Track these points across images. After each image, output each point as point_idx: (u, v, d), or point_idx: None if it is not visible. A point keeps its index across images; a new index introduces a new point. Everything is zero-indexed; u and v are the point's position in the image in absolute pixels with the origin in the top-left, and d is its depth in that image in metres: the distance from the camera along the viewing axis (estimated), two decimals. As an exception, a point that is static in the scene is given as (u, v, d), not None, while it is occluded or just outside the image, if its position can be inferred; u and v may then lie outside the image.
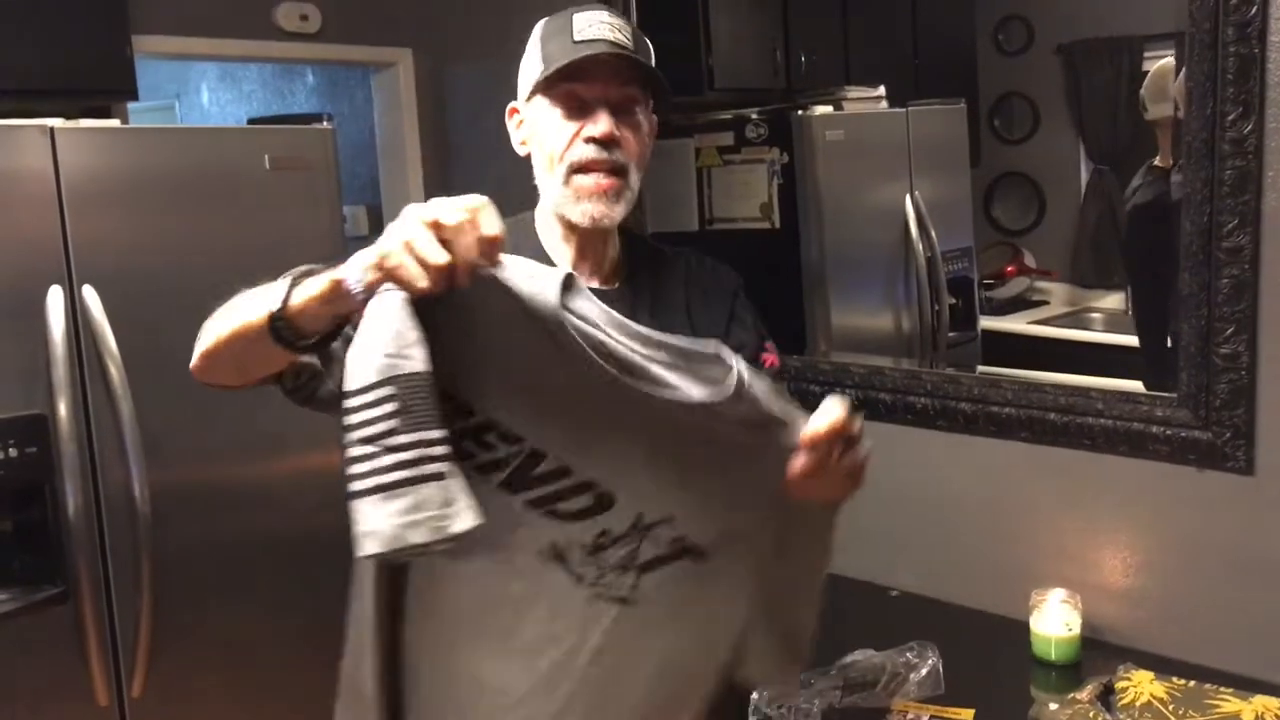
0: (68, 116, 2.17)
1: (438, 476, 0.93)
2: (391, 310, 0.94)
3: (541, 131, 1.30)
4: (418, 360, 0.94)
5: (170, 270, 2.18)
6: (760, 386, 1.04)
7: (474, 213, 0.94)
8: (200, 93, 4.74)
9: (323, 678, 2.45)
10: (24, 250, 2.02)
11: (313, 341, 1.09)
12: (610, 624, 1.09)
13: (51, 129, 2.03)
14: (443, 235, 0.93)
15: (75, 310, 2.07)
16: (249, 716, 2.34)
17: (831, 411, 1.04)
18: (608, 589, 1.08)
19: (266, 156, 2.24)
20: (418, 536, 0.92)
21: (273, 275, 1.13)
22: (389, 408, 0.92)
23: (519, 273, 0.98)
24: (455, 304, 0.97)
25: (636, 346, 1.02)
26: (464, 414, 1.03)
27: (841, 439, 1.04)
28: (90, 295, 2.07)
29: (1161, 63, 2.23)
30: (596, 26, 1.27)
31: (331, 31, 3.17)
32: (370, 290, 0.97)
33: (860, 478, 1.10)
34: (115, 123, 2.28)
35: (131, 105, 2.75)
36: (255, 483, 2.33)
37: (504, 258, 0.98)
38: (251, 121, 2.69)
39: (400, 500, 0.92)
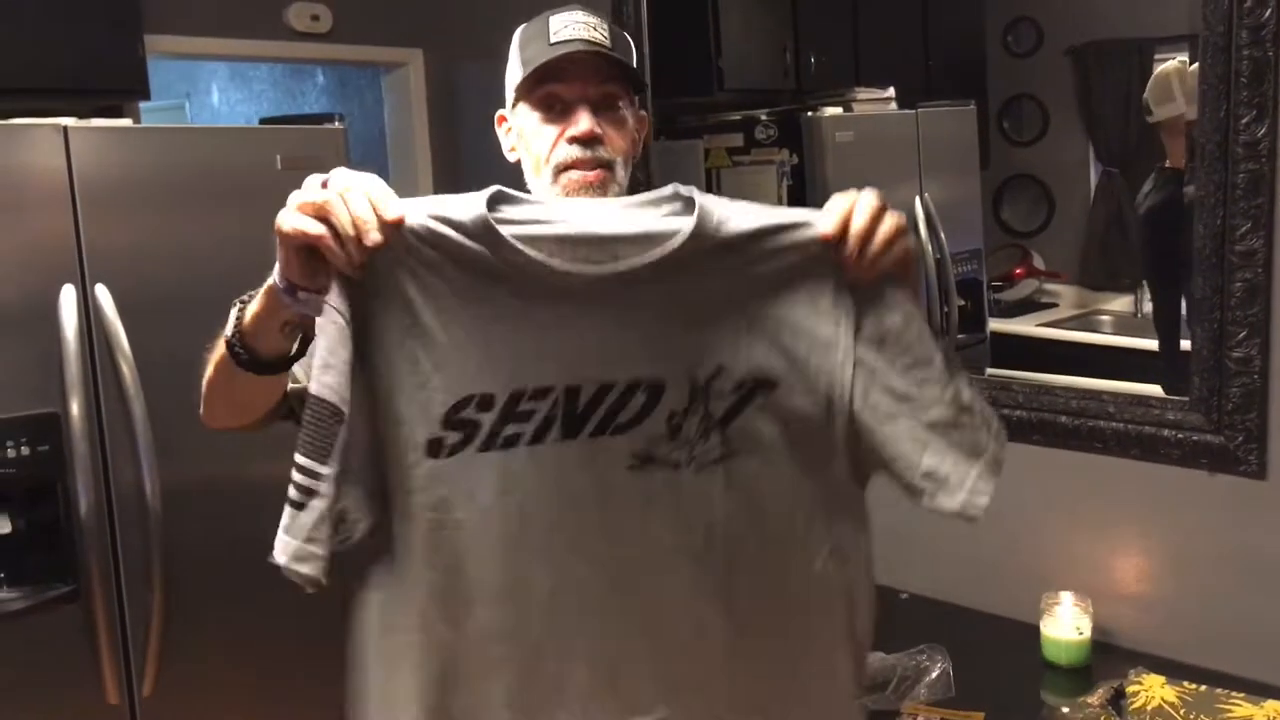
0: (79, 116, 2.18)
1: (296, 504, 1.01)
2: (325, 331, 0.99)
3: (527, 136, 1.31)
4: (322, 385, 0.98)
5: (182, 269, 2.19)
6: (740, 208, 1.05)
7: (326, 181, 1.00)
8: (211, 92, 4.76)
9: (333, 678, 2.46)
10: (37, 249, 2.03)
11: (276, 360, 1.13)
12: (724, 486, 1.10)
13: (65, 128, 2.04)
14: (309, 207, 0.98)
15: (88, 309, 2.08)
16: (259, 716, 2.35)
17: (844, 198, 1.06)
18: (704, 457, 1.09)
19: (278, 156, 2.25)
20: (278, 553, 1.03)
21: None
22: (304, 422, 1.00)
23: (443, 207, 1.01)
24: (413, 308, 1.01)
25: (592, 218, 1.04)
26: (489, 405, 1.04)
27: (866, 219, 1.05)
28: (103, 294, 2.08)
29: (1165, 65, 2.22)
30: (572, 27, 1.28)
31: (342, 31, 3.18)
32: (290, 284, 1.01)
33: (908, 263, 1.09)
34: (127, 122, 2.29)
35: (142, 105, 2.76)
36: (267, 482, 2.31)
37: (426, 201, 1.02)
38: (263, 121, 2.70)
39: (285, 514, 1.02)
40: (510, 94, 1.34)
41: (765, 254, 1.06)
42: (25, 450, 1.99)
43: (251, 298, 1.12)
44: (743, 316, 1.07)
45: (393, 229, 0.98)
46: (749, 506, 1.11)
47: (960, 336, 2.89)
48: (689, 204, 1.05)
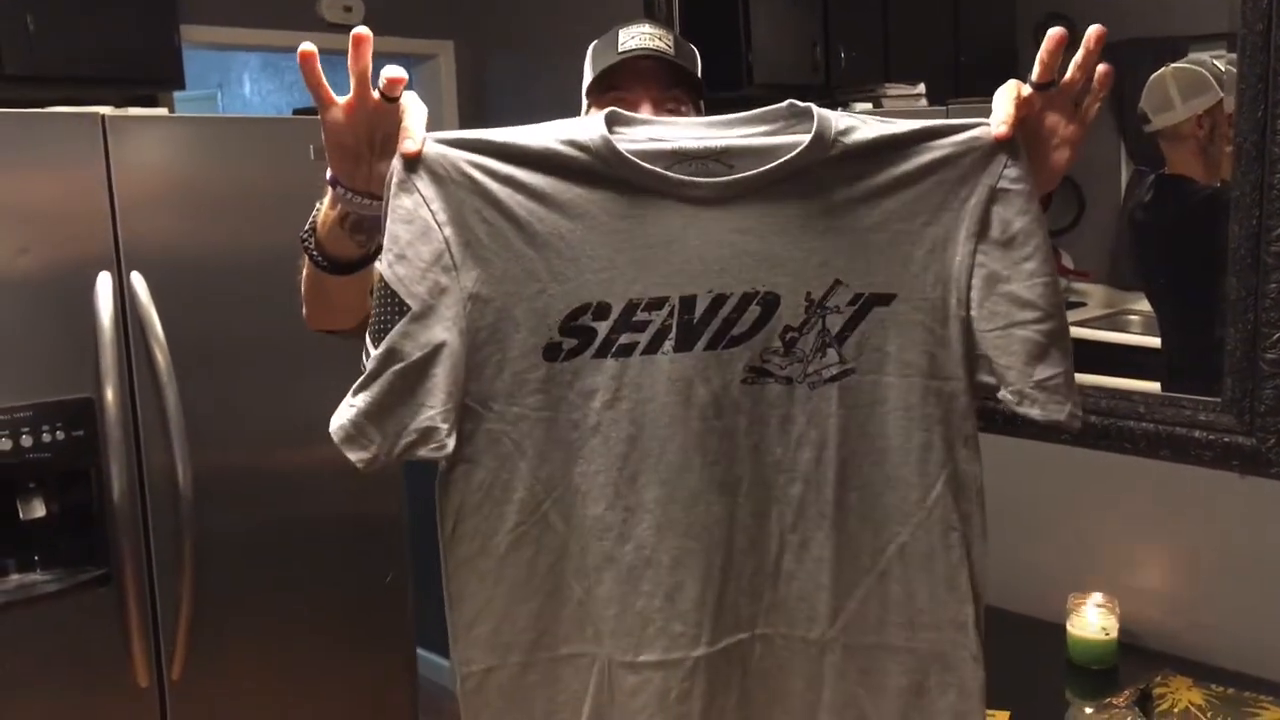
0: (115, 105, 2.20)
1: (359, 386, 1.04)
2: (407, 222, 1.03)
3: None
4: (394, 274, 1.03)
5: (216, 258, 2.21)
6: (864, 119, 1.06)
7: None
8: (243, 83, 4.78)
9: (364, 664, 2.50)
10: (74, 237, 2.05)
11: (349, 261, 1.18)
12: (838, 404, 1.10)
13: (103, 117, 2.06)
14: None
15: (123, 296, 2.10)
16: (288, 700, 2.37)
17: (1003, 92, 1.06)
18: (820, 375, 1.09)
19: (311, 147, 2.26)
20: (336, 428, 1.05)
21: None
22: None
23: (559, 131, 1.05)
24: (526, 220, 1.04)
25: (706, 133, 1.08)
26: (604, 313, 1.06)
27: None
28: (138, 281, 2.10)
29: (1160, 72, 2.20)
30: (639, 38, 1.36)
31: (374, 23, 3.16)
32: (334, 176, 1.09)
33: (1081, 138, 1.09)
34: (163, 111, 2.31)
35: (176, 95, 2.79)
36: (298, 468, 2.36)
37: (536, 128, 1.06)
38: (296, 112, 2.71)
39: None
40: (584, 101, 1.42)
41: (890, 163, 1.06)
42: (60, 435, 2.01)
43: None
44: (860, 229, 1.07)
45: (409, 162, 1.03)
46: (863, 426, 1.10)
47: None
48: (806, 116, 1.06)
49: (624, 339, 1.07)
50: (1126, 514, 2.07)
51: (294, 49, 1.05)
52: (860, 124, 1.06)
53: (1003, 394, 1.08)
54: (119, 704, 2.13)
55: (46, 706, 2.05)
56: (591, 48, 1.41)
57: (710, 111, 1.43)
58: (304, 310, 1.31)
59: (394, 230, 1.03)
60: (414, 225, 1.03)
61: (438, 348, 1.04)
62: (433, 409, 1.04)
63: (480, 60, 3.41)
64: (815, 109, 1.06)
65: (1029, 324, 1.06)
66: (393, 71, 1.02)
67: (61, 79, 2.37)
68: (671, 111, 1.35)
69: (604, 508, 1.10)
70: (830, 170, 1.06)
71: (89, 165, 2.05)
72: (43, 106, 2.14)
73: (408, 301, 1.03)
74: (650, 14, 2.80)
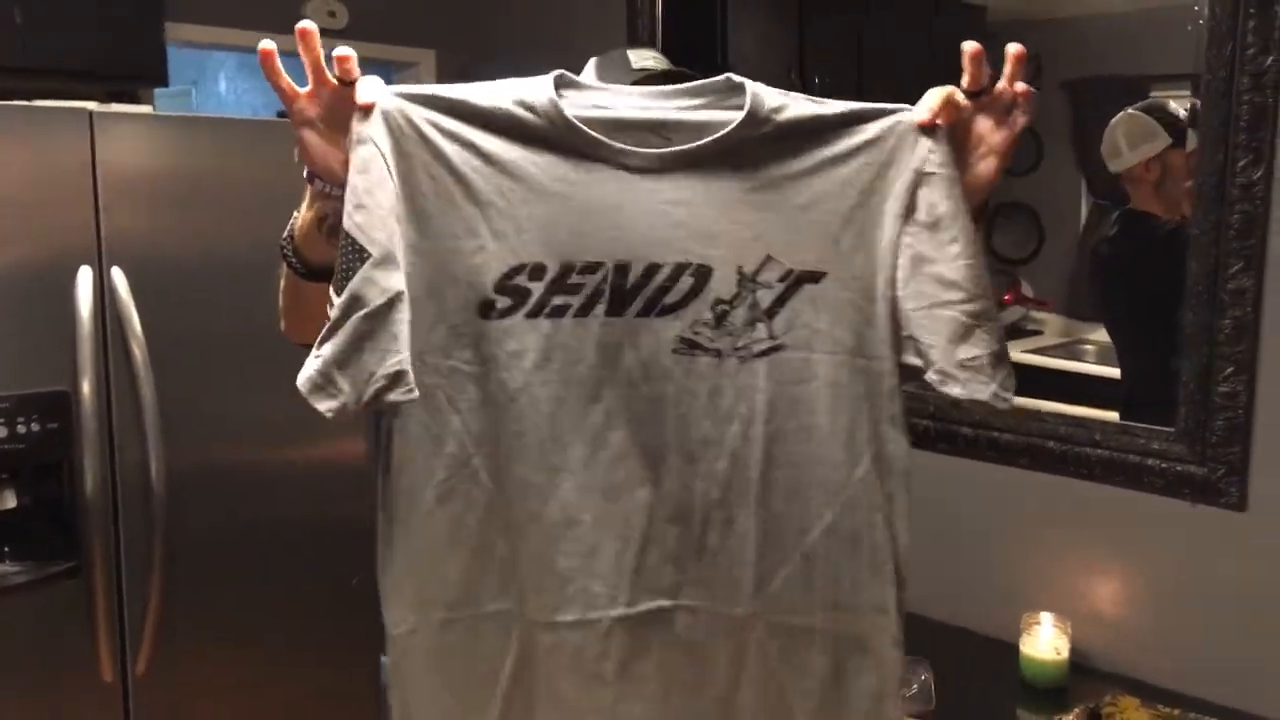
0: (96, 99, 2.20)
1: (322, 339, 1.04)
2: (363, 170, 1.04)
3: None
4: (353, 223, 1.03)
5: (198, 257, 2.22)
6: (798, 98, 1.09)
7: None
8: (218, 81, 4.76)
9: (327, 665, 2.50)
10: (57, 230, 2.05)
11: (329, 265, 1.16)
12: (766, 379, 1.12)
13: (91, 113, 2.06)
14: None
15: (103, 291, 2.10)
16: (251, 699, 2.37)
17: (937, 91, 1.10)
18: (749, 349, 1.11)
19: (296, 150, 2.27)
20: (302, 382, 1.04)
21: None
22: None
23: (510, 90, 1.07)
24: (468, 177, 1.06)
25: (647, 103, 1.10)
26: (540, 274, 1.08)
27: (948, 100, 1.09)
28: (119, 277, 2.10)
29: (1113, 121, 2.28)
30: (650, 60, 1.37)
31: (358, 29, 3.21)
32: (310, 171, 1.10)
33: (1012, 145, 1.12)
34: (149, 109, 2.32)
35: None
36: (271, 469, 2.36)
37: (488, 85, 1.08)
38: (281, 114, 2.72)
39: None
40: None
41: (820, 143, 1.09)
42: (35, 427, 2.01)
43: None
44: (791, 206, 1.10)
45: (364, 112, 1.05)
46: (791, 402, 1.12)
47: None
48: (741, 91, 1.09)
49: (557, 300, 1.09)
50: (1080, 538, 2.12)
51: (279, 51, 1.08)
52: (791, 102, 1.09)
53: (929, 375, 1.11)
54: (83, 697, 2.12)
55: (9, 697, 2.04)
56: (594, 62, 1.41)
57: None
58: (282, 324, 1.31)
59: (353, 180, 1.04)
60: (371, 175, 1.04)
61: (400, 294, 1.05)
62: (400, 353, 1.05)
63: (462, 69, 3.43)
64: (749, 84, 1.09)
65: (954, 304, 1.10)
66: (340, 50, 1.05)
67: (47, 71, 2.37)
68: None
69: (530, 467, 1.11)
70: (763, 147, 1.09)
71: (75, 160, 2.05)
72: (25, 98, 2.14)
73: (369, 249, 1.03)
74: (632, 31, 2.84)
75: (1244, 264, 1.81)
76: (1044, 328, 3.23)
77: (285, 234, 1.21)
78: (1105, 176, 2.74)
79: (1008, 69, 1.10)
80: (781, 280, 1.11)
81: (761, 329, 1.11)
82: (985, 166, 1.13)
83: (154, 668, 2.19)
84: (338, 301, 1.04)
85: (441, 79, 3.42)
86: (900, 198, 1.10)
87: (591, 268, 1.08)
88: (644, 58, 1.37)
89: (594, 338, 1.10)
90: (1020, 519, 2.18)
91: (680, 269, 1.09)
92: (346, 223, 1.04)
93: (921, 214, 1.10)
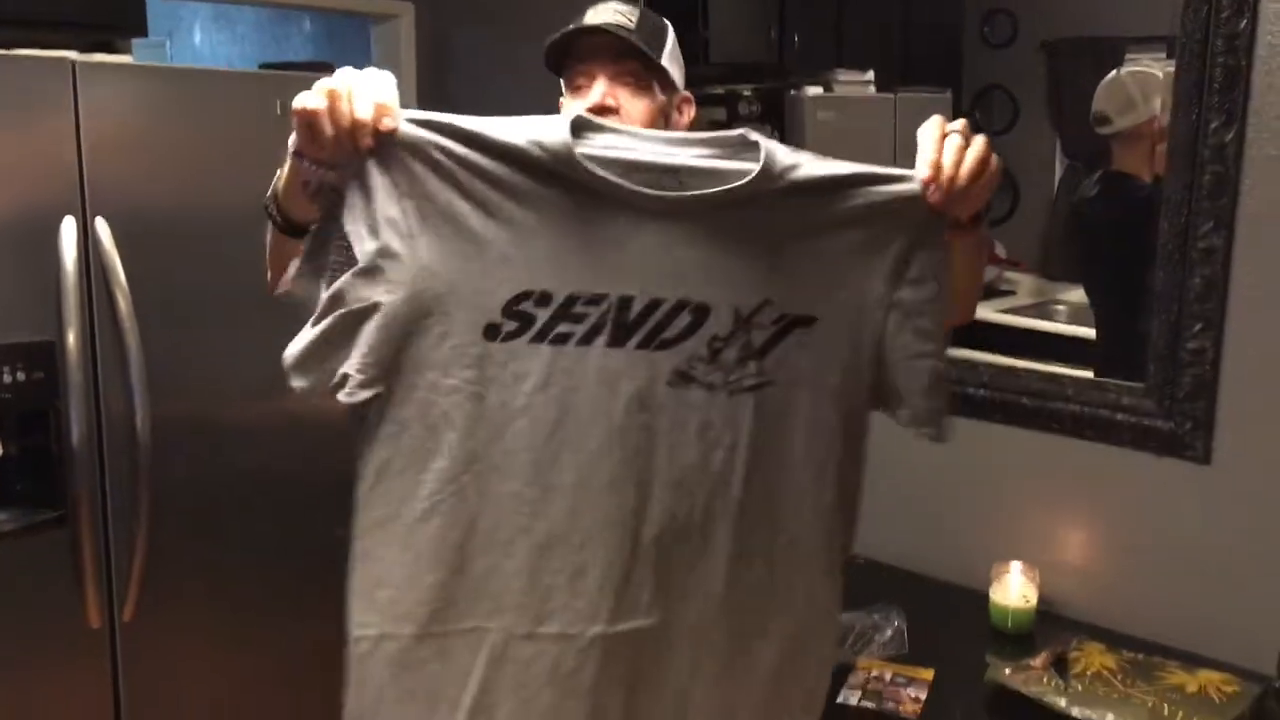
0: (74, 49, 2.18)
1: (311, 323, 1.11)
2: (355, 196, 1.10)
3: (565, 113, 1.40)
4: (346, 219, 1.10)
5: (181, 208, 2.21)
6: (808, 158, 1.13)
7: (355, 83, 1.08)
8: (193, 32, 4.71)
9: (311, 616, 2.52)
10: (40, 180, 2.04)
11: (311, 223, 1.20)
12: (753, 412, 1.18)
13: (73, 63, 2.05)
14: (329, 100, 1.07)
15: (87, 241, 2.10)
16: (237, 645, 2.40)
17: (930, 134, 1.14)
18: (739, 383, 1.17)
19: (278, 102, 2.27)
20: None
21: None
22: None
23: (526, 129, 1.11)
24: (486, 205, 1.11)
25: (663, 149, 1.14)
26: (546, 301, 1.12)
27: (957, 153, 1.13)
28: (102, 228, 2.10)
29: (1119, 75, 2.30)
30: (602, 13, 1.42)
31: (337, -20, 3.19)
32: (299, 150, 1.12)
33: (993, 179, 1.16)
34: (130, 59, 2.30)
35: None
36: (256, 421, 2.38)
37: (507, 121, 1.12)
38: (263, 67, 2.71)
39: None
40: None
41: (827, 202, 1.15)
42: (20, 376, 2.01)
43: None
44: (794, 256, 1.16)
45: (385, 136, 1.08)
46: (773, 434, 1.19)
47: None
48: (754, 147, 1.13)
49: (561, 328, 1.13)
50: (1051, 490, 2.18)
51: (257, 1, 1.09)
52: (804, 162, 1.13)
53: (899, 412, 1.22)
54: (70, 643, 2.14)
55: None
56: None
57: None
58: (268, 275, 1.35)
59: (359, 194, 1.09)
60: (377, 192, 1.09)
61: (373, 306, 1.10)
62: (352, 359, 1.11)
63: (441, 26, 3.41)
64: (763, 142, 1.13)
65: (928, 356, 1.19)
66: (387, 123, 1.08)
67: (24, 21, 2.34)
68: (626, 85, 1.42)
69: (522, 484, 1.16)
70: (773, 200, 1.13)
71: (57, 110, 2.04)
72: (3, 48, 2.12)
73: (357, 257, 1.10)
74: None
75: (1214, 223, 1.85)
76: (1017, 288, 3.27)
77: (269, 193, 1.25)
78: (1081, 137, 2.77)
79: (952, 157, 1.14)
80: (775, 323, 1.16)
81: (752, 366, 1.17)
82: (973, 205, 1.18)
83: (141, 614, 2.21)
84: (323, 296, 1.11)
85: (420, 33, 3.39)
86: (895, 259, 1.16)
87: (596, 299, 1.13)
88: (599, 13, 1.42)
89: (594, 366, 1.14)
90: (992, 472, 2.23)
91: (680, 306, 1.14)
92: (347, 228, 1.10)
93: (913, 271, 1.17)
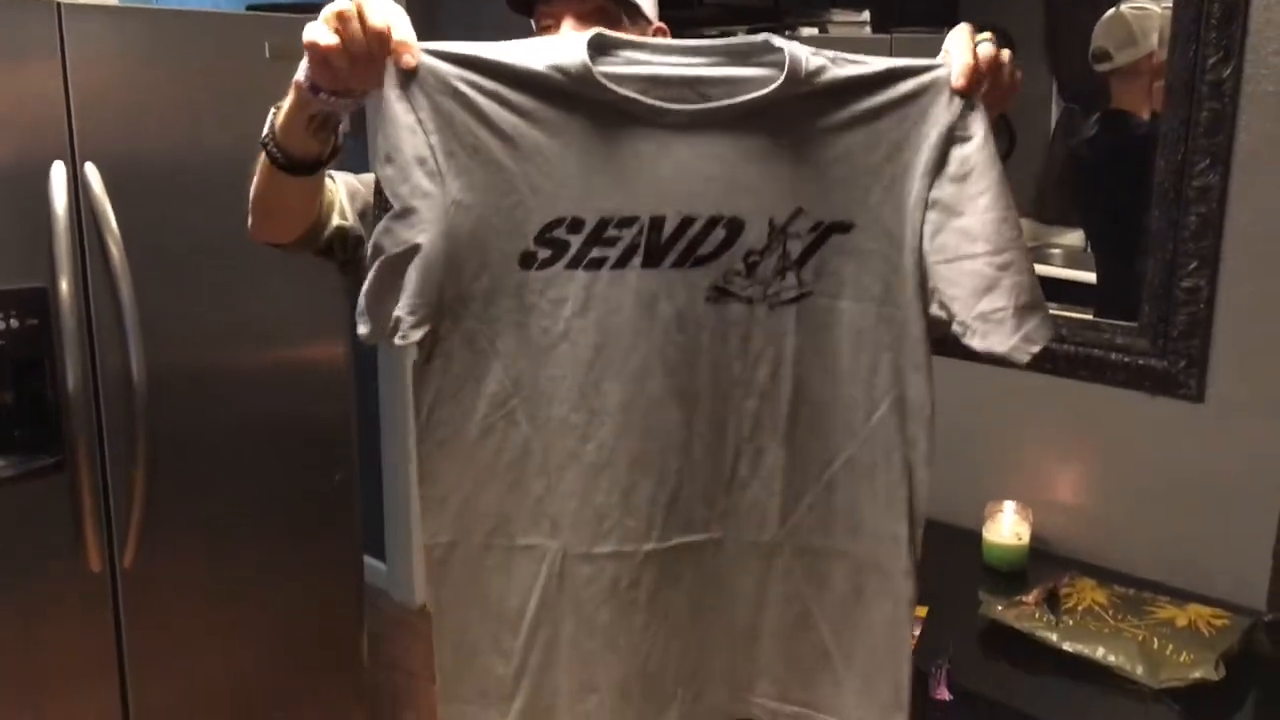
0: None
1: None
2: (386, 126, 1.09)
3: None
4: (384, 176, 1.10)
5: (171, 153, 2.20)
6: (834, 57, 1.10)
7: (361, 7, 1.06)
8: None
9: (310, 559, 2.55)
10: (28, 124, 2.02)
11: (308, 161, 1.22)
12: (795, 324, 1.17)
13: (58, 5, 2.02)
14: (340, 26, 1.05)
15: (77, 187, 2.08)
16: (238, 587, 2.42)
17: (960, 42, 1.12)
18: (778, 296, 1.16)
19: (267, 45, 2.25)
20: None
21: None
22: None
23: (544, 53, 1.10)
24: (505, 133, 1.10)
25: (682, 60, 1.12)
26: (578, 227, 1.13)
27: (989, 65, 1.11)
28: (92, 173, 2.08)
29: (1116, 11, 2.27)
30: None
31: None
32: (314, 84, 1.10)
33: (1015, 87, 1.15)
34: (115, 1, 2.27)
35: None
36: (252, 367, 2.38)
37: (523, 45, 1.11)
38: (250, 9, 2.68)
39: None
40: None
41: (855, 100, 1.12)
42: (15, 323, 2.01)
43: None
44: (823, 161, 1.13)
45: (406, 73, 1.07)
46: (817, 346, 1.17)
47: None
48: (778, 51, 1.11)
49: (595, 253, 1.13)
50: (1045, 430, 2.19)
51: None
52: (829, 64, 1.10)
53: (954, 326, 1.14)
54: (72, 587, 2.16)
55: (1, 587, 2.08)
56: None
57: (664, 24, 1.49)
58: (250, 220, 1.35)
59: (386, 134, 1.09)
60: (403, 132, 1.09)
61: (414, 248, 1.10)
62: (402, 303, 1.11)
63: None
64: (786, 46, 1.10)
65: (978, 257, 1.11)
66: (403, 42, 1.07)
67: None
68: (592, 21, 1.37)
69: (569, 409, 1.17)
70: (798, 105, 1.11)
71: (43, 54, 2.02)
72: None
73: (392, 201, 1.09)
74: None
75: (1210, 161, 1.85)
76: (1012, 232, 3.27)
77: (265, 131, 1.23)
78: (1079, 78, 2.75)
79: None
80: (811, 231, 1.15)
81: (791, 277, 1.16)
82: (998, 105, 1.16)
83: (141, 560, 2.22)
84: (368, 242, 1.12)
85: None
86: (931, 153, 1.12)
87: (628, 221, 1.13)
88: None
89: (631, 289, 1.14)
90: (986, 413, 2.24)
91: (714, 222, 1.13)
92: (379, 172, 1.10)
93: (952, 167, 1.12)
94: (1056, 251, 3.13)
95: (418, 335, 1.13)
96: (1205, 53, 1.82)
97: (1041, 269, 2.87)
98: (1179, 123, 1.86)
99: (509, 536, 1.22)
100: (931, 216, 1.13)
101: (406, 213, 1.09)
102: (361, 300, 1.11)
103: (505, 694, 1.26)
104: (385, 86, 1.08)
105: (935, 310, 1.15)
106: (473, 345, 1.16)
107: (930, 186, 1.12)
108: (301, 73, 1.11)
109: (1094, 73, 2.33)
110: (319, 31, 1.05)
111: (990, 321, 1.12)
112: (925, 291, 1.14)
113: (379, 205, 1.11)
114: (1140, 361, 2.00)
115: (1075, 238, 3.08)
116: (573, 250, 1.13)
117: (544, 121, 1.10)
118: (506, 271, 1.14)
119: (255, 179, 1.30)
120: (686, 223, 1.13)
